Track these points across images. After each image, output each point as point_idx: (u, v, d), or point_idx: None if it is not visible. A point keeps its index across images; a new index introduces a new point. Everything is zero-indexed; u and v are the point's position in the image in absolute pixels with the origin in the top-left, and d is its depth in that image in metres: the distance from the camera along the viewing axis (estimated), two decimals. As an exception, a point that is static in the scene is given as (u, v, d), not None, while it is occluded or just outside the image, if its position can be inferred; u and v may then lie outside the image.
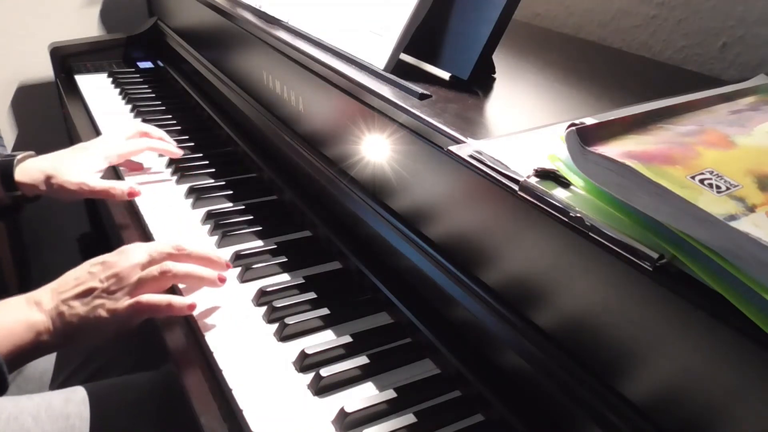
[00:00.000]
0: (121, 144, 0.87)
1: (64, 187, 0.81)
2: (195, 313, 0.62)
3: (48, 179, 0.81)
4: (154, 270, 0.61)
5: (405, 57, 0.68)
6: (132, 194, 0.82)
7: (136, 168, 0.93)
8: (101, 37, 1.42)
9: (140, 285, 0.61)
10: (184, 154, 0.96)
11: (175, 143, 0.95)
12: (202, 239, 0.77)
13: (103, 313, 0.59)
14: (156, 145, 0.91)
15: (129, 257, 0.62)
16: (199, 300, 0.64)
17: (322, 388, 0.54)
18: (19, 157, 0.82)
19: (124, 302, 0.59)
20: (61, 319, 0.58)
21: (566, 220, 0.41)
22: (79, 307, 0.59)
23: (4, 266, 1.43)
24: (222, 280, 0.65)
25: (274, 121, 0.85)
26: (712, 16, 0.75)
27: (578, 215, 0.40)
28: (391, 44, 0.64)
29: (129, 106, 1.17)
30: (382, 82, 0.62)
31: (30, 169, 0.82)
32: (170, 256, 0.63)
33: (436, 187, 0.55)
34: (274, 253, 0.73)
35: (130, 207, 0.86)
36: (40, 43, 1.36)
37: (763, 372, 0.32)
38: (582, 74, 0.70)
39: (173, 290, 0.67)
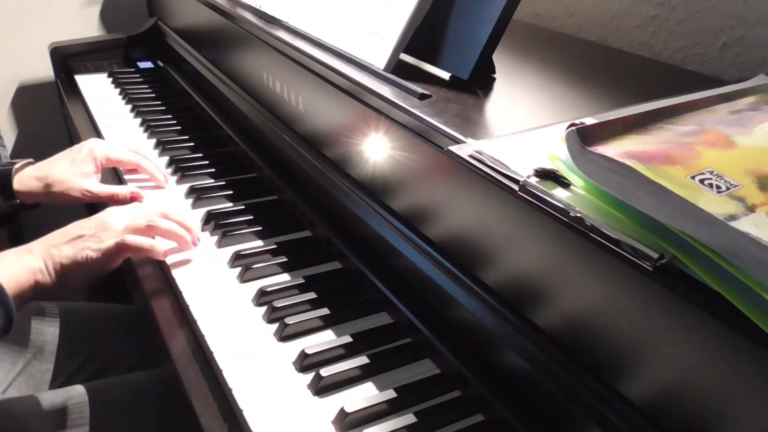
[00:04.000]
0: (111, 148, 0.87)
1: (67, 194, 0.82)
2: (195, 313, 0.62)
3: (48, 187, 0.82)
4: (140, 221, 0.69)
5: (405, 57, 0.68)
6: (135, 197, 0.83)
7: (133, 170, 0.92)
8: (101, 37, 1.42)
9: (126, 231, 0.68)
10: (183, 156, 0.96)
11: (165, 175, 0.91)
12: (202, 239, 0.77)
13: (90, 253, 0.66)
14: (146, 165, 0.88)
15: (116, 213, 0.71)
16: (199, 300, 0.64)
17: (322, 388, 0.54)
18: (17, 165, 0.83)
19: (110, 242, 0.66)
20: (53, 259, 0.65)
21: (566, 220, 0.41)
22: (68, 250, 0.65)
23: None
24: (194, 243, 0.73)
25: (274, 121, 0.84)
26: (712, 16, 0.75)
27: (578, 215, 0.40)
28: (391, 44, 0.64)
29: (129, 106, 1.17)
30: (382, 82, 0.62)
31: (28, 178, 0.83)
32: (155, 215, 0.71)
33: (436, 187, 0.55)
34: (274, 253, 0.73)
35: (130, 207, 0.86)
36: (40, 43, 1.35)
37: (762, 372, 0.32)
38: (582, 74, 0.70)
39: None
